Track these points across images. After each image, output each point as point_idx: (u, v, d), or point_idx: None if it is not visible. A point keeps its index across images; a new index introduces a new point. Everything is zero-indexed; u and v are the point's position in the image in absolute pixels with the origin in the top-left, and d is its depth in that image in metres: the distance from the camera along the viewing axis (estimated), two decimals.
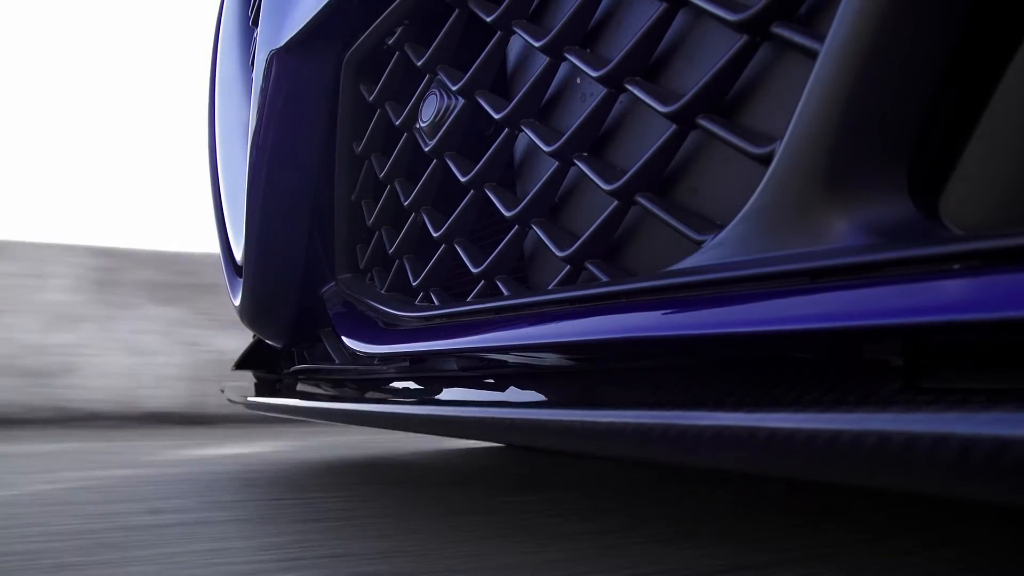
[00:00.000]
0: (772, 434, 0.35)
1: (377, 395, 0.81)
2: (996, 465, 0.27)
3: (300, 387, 1.12)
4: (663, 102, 0.48)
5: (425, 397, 0.69)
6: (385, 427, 0.81)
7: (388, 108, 0.83)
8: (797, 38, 0.39)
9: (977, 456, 0.27)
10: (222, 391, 1.45)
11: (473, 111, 0.70)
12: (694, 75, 0.49)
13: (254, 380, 1.35)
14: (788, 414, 0.35)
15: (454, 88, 0.70)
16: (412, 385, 0.76)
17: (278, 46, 0.91)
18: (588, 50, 0.57)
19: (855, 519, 0.89)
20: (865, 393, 0.36)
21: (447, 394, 0.67)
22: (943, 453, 0.28)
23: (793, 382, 0.40)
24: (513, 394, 0.56)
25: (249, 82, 1.08)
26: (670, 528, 0.82)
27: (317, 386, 1.04)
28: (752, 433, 0.36)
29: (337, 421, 1.03)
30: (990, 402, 0.28)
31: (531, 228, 0.61)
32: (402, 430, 0.78)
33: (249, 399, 1.14)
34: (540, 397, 0.54)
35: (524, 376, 0.61)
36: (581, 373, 0.56)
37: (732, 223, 0.42)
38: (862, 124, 0.36)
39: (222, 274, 1.19)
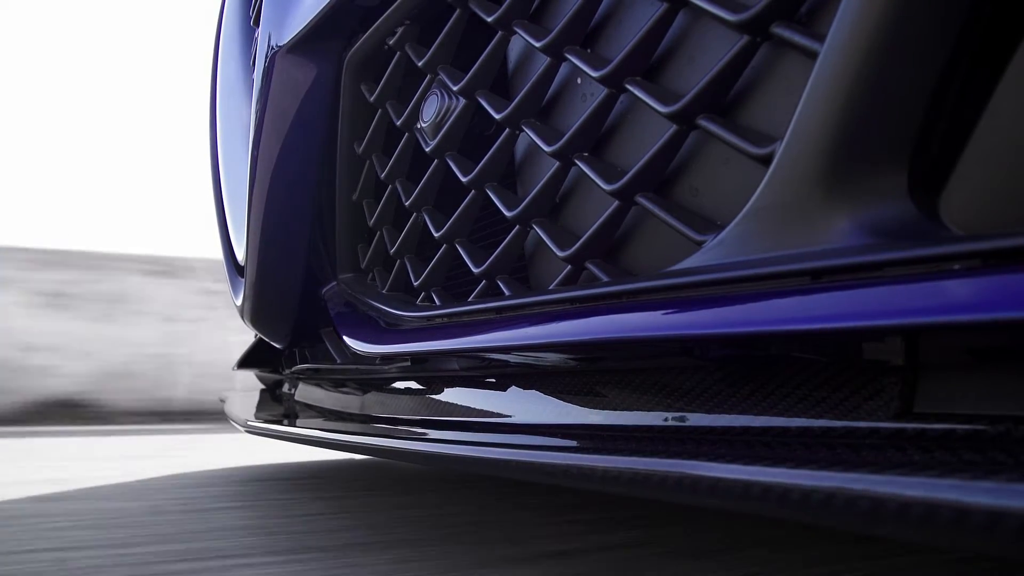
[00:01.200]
0: (767, 488, 0.35)
1: (381, 426, 0.80)
2: (992, 531, 0.27)
3: (300, 394, 1.11)
4: (664, 102, 0.48)
5: (427, 432, 0.68)
6: (388, 458, 0.81)
7: (389, 108, 0.84)
8: (797, 38, 0.39)
9: (972, 523, 0.27)
10: (222, 401, 1.41)
11: (474, 111, 0.70)
12: (694, 75, 0.49)
13: (259, 385, 1.34)
14: (783, 469, 0.34)
15: (455, 88, 0.70)
16: (418, 415, 0.75)
17: (279, 46, 0.91)
18: (589, 50, 0.57)
19: None
20: (861, 422, 0.36)
21: (448, 430, 0.67)
22: (937, 518, 0.28)
23: (790, 387, 0.40)
24: (518, 437, 0.56)
25: (250, 82, 1.08)
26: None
27: (320, 402, 1.03)
28: (747, 486, 0.36)
29: (339, 450, 1.03)
30: (983, 471, 0.28)
31: (532, 228, 0.61)
32: (404, 462, 0.78)
33: (249, 423, 1.13)
34: (545, 440, 0.54)
35: (525, 376, 0.61)
36: (582, 373, 0.56)
37: (732, 223, 0.42)
38: (862, 124, 0.36)
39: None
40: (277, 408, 1.23)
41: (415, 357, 0.74)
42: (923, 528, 0.29)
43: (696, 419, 0.45)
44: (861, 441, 0.36)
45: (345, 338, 0.85)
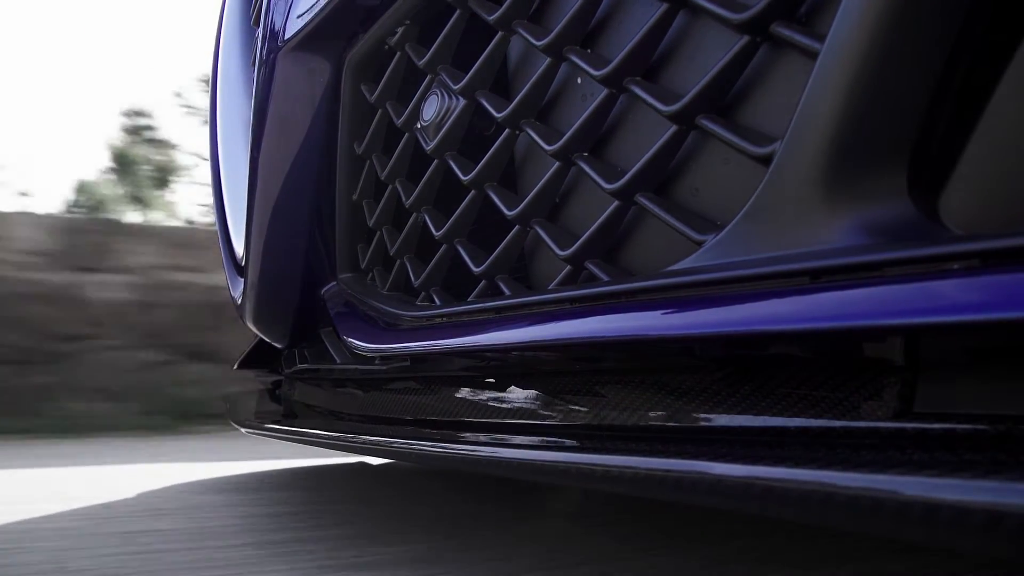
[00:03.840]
0: (767, 488, 0.35)
1: (381, 426, 0.80)
2: (992, 531, 0.27)
3: (300, 394, 1.11)
4: (664, 102, 0.48)
5: (427, 431, 0.68)
6: (388, 458, 0.81)
7: (389, 108, 0.83)
8: (797, 38, 0.39)
9: (972, 523, 0.27)
10: (224, 401, 1.41)
11: (474, 111, 0.70)
12: (694, 75, 0.49)
13: (259, 385, 1.34)
14: (783, 469, 0.35)
15: (455, 88, 0.70)
16: (417, 415, 0.75)
17: (280, 46, 0.91)
18: (589, 50, 0.57)
19: None
20: (861, 422, 0.36)
21: (448, 430, 0.67)
22: (937, 518, 0.28)
23: (790, 387, 0.40)
24: (519, 437, 0.56)
25: (250, 82, 1.08)
26: None
27: (320, 402, 1.03)
28: (747, 486, 0.36)
29: (339, 450, 1.02)
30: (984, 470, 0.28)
31: (532, 228, 0.61)
32: (404, 462, 0.78)
33: (249, 423, 1.13)
34: (545, 440, 0.54)
35: (524, 376, 0.61)
36: (582, 373, 0.56)
37: (732, 223, 0.42)
38: (862, 124, 0.36)
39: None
40: (277, 408, 1.23)
41: (415, 356, 0.74)
42: (923, 528, 0.29)
43: (696, 419, 0.45)
44: (861, 441, 0.36)
45: (345, 337, 0.84)
